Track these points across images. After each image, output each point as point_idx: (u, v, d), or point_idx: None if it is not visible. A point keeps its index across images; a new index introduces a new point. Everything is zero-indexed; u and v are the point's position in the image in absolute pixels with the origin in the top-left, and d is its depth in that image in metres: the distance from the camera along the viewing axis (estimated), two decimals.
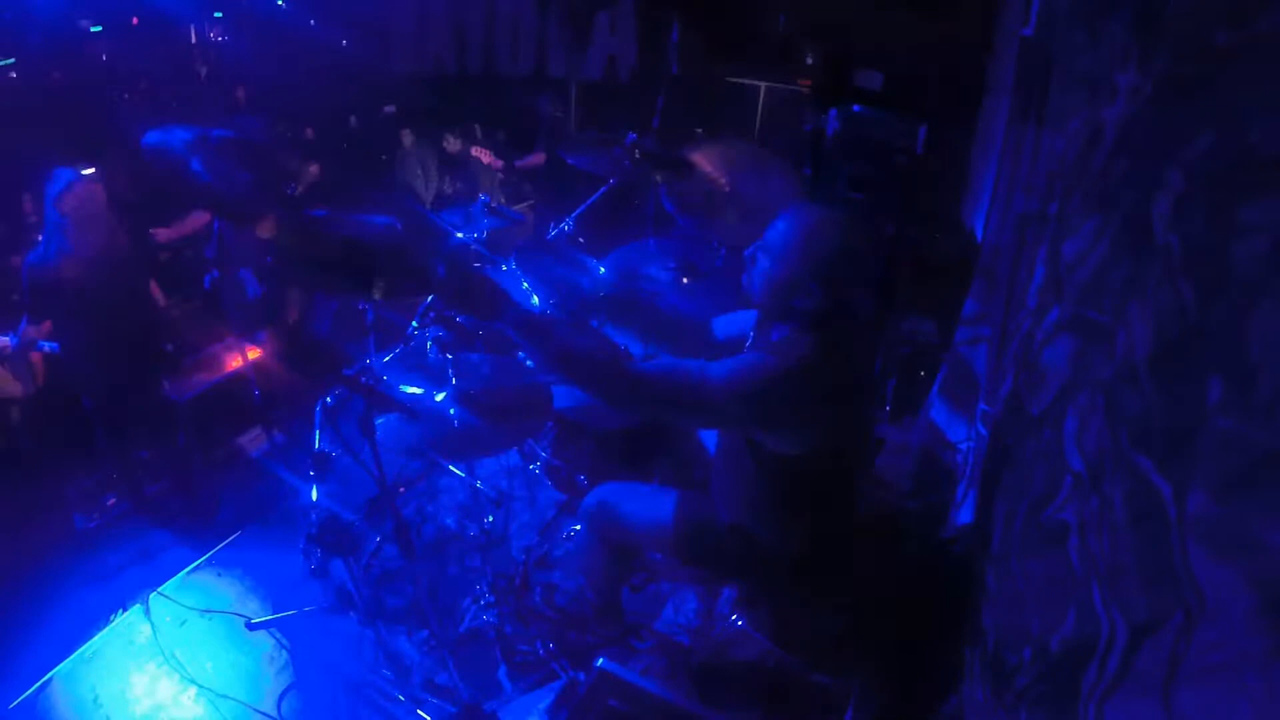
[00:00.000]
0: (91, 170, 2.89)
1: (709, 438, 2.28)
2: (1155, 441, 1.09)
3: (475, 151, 4.98)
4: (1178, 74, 1.22)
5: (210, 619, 2.53)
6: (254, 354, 3.51)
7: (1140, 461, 1.11)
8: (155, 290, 3.26)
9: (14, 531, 2.87)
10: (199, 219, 3.84)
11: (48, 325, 2.79)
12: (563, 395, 2.37)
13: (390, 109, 5.92)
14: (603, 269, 2.68)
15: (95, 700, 2.29)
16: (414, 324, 2.59)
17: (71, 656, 2.39)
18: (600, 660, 1.85)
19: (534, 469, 2.63)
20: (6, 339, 2.83)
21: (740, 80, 4.86)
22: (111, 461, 3.12)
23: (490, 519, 2.84)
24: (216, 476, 3.29)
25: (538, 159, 5.11)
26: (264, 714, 2.23)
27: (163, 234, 3.85)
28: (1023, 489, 1.64)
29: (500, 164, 5.02)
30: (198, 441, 3.31)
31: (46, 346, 2.89)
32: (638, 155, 2.58)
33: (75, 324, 2.74)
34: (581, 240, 2.88)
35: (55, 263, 2.63)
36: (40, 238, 2.69)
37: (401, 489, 2.99)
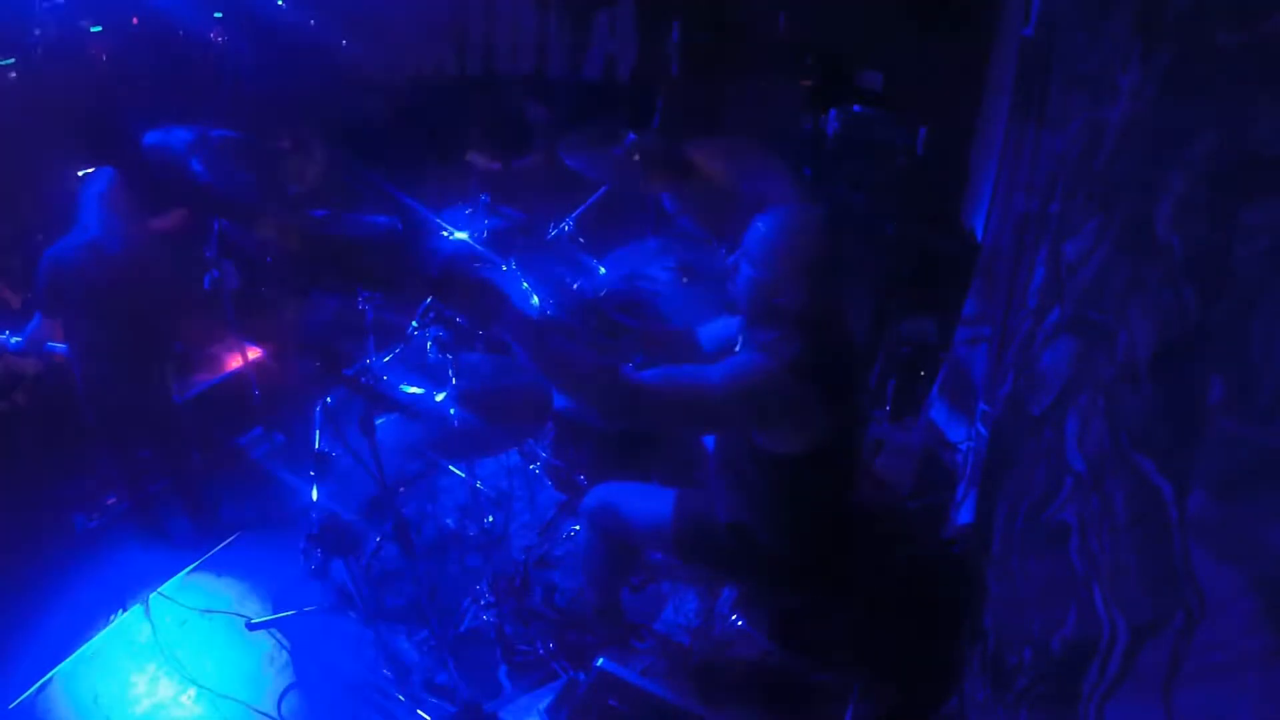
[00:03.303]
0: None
1: (707, 437, 2.27)
2: (1156, 442, 1.10)
3: (472, 156, 4.98)
4: (1179, 74, 1.22)
5: (210, 619, 2.53)
6: (254, 354, 3.51)
7: (1141, 462, 1.11)
8: None
9: (14, 531, 2.87)
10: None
11: (57, 326, 2.77)
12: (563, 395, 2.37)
13: (373, 101, 5.86)
14: (603, 269, 2.68)
15: (95, 700, 2.29)
16: (414, 324, 2.59)
17: (71, 656, 2.39)
18: (600, 660, 1.86)
19: (534, 469, 2.63)
20: (14, 338, 2.82)
21: (740, 80, 4.85)
22: (111, 461, 3.11)
23: (490, 519, 2.84)
24: (216, 476, 3.28)
25: (535, 161, 5.11)
26: (264, 714, 2.23)
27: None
28: (1023, 489, 1.64)
29: (498, 166, 5.03)
30: (198, 441, 3.32)
31: (56, 349, 2.88)
32: (638, 156, 2.58)
33: (91, 322, 2.72)
34: (581, 240, 2.88)
35: (80, 257, 2.61)
36: (64, 231, 2.67)
37: (401, 489, 2.99)
